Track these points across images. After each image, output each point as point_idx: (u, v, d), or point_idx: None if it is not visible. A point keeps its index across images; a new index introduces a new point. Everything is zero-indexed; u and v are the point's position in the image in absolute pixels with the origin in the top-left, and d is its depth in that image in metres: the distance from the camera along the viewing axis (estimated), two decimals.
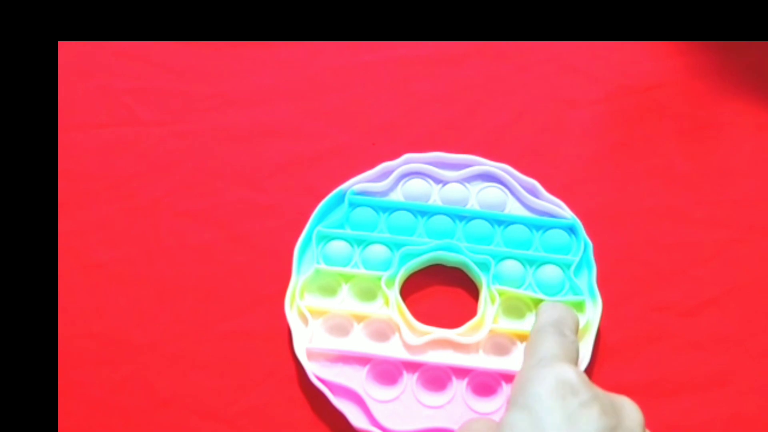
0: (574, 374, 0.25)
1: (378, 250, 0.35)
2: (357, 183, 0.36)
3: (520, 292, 0.34)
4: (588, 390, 0.25)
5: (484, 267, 0.35)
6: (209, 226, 0.36)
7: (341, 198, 0.36)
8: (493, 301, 0.34)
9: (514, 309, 0.34)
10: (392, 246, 0.35)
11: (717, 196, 0.37)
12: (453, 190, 0.36)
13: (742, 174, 0.38)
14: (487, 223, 0.36)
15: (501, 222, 0.36)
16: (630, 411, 0.25)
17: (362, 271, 0.34)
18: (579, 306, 0.34)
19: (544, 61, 0.40)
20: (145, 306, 0.35)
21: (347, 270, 0.34)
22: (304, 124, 0.39)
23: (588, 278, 0.35)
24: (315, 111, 0.39)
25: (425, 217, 0.36)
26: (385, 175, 0.36)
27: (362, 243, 0.35)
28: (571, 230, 0.35)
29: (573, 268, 0.35)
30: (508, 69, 0.40)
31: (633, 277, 0.36)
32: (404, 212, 0.36)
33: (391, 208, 0.36)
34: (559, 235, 0.35)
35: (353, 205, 0.36)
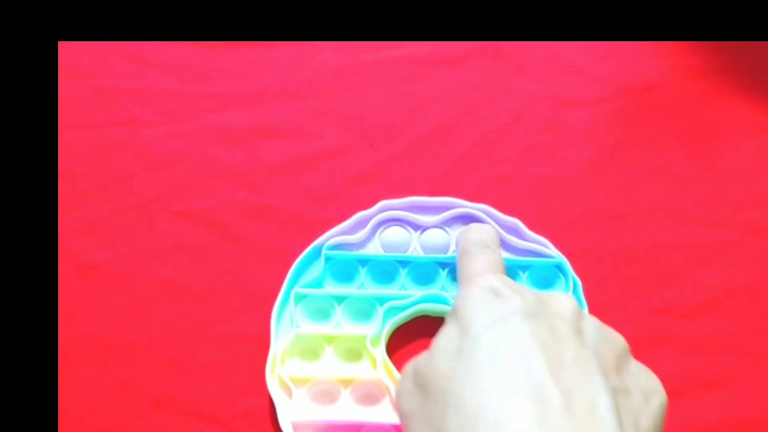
0: (496, 279, 0.25)
1: (360, 307, 0.34)
2: (332, 237, 0.34)
3: None
4: (511, 289, 0.25)
5: None
6: (206, 227, 0.36)
7: (317, 253, 0.34)
8: None
9: None
10: (374, 301, 0.33)
11: (717, 197, 0.37)
12: (432, 236, 0.35)
13: (743, 174, 0.38)
14: None
15: None
16: (558, 299, 0.25)
17: (345, 331, 0.33)
18: None
19: (543, 61, 0.40)
20: (140, 308, 0.35)
21: (329, 331, 0.33)
22: (301, 125, 0.39)
23: None
24: (313, 111, 0.39)
25: (406, 267, 0.34)
26: (360, 224, 0.35)
27: (343, 300, 0.34)
28: (558, 269, 0.35)
29: None
30: (507, 69, 0.40)
31: (633, 279, 0.36)
32: (384, 264, 0.34)
33: (369, 261, 0.34)
34: (546, 275, 0.34)
35: (330, 261, 0.34)
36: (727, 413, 0.33)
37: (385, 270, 0.34)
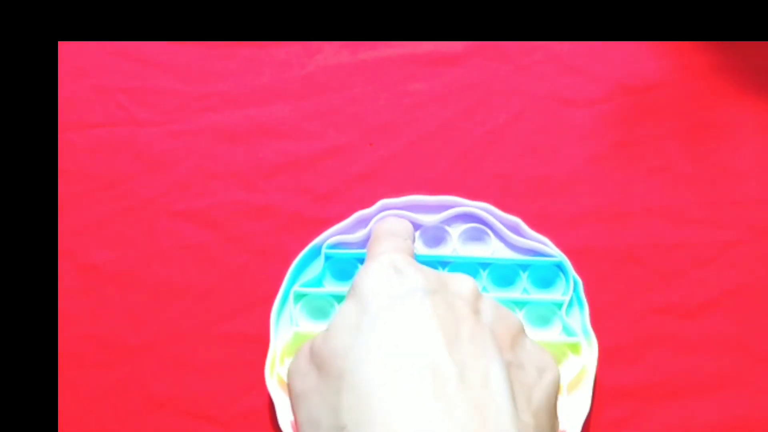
0: (398, 257, 0.25)
1: None
2: (332, 236, 0.34)
3: None
4: (412, 267, 0.25)
5: None
6: (205, 226, 0.36)
7: (317, 252, 0.34)
8: None
9: None
10: None
11: (717, 196, 0.37)
12: (433, 235, 0.35)
13: (743, 174, 0.38)
14: (470, 268, 0.34)
15: (485, 265, 0.34)
16: (458, 279, 0.25)
17: None
18: (574, 348, 0.33)
19: (543, 61, 0.40)
20: (140, 307, 0.35)
21: None
22: (301, 124, 0.39)
23: (581, 318, 0.34)
24: (312, 111, 0.39)
25: None
26: (361, 224, 0.35)
27: (343, 299, 0.33)
28: (558, 268, 0.35)
29: (564, 308, 0.34)
30: (507, 68, 0.40)
31: (633, 279, 0.36)
32: None
33: None
34: (546, 274, 0.34)
35: (330, 259, 0.34)
36: (727, 413, 0.33)
37: None
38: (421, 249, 0.35)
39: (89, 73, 0.40)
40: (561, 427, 0.31)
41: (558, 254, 0.34)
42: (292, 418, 0.31)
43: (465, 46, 0.40)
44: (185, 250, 0.36)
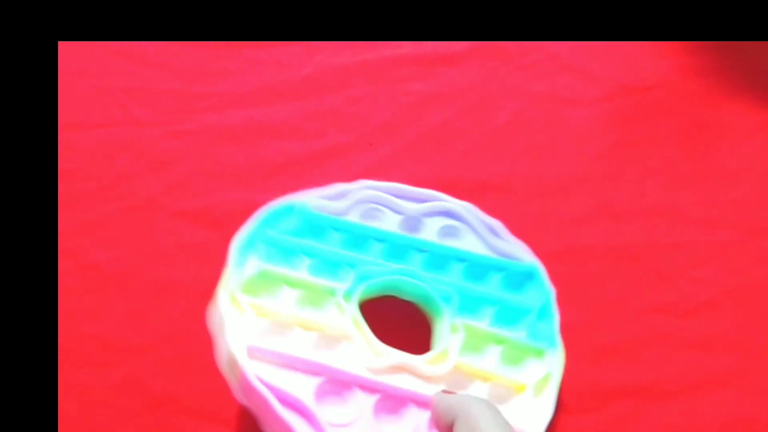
0: None
1: (330, 265, 0.33)
2: (312, 198, 0.34)
3: (483, 326, 0.33)
4: None
5: (447, 298, 0.33)
6: (206, 226, 0.36)
7: (292, 210, 0.33)
8: (454, 330, 0.32)
9: (473, 344, 0.32)
10: (347, 263, 0.33)
11: (716, 196, 0.37)
12: (412, 224, 0.34)
13: (742, 174, 0.38)
14: (446, 258, 0.34)
15: (462, 259, 0.34)
16: None
17: (315, 280, 0.32)
18: (538, 353, 0.33)
19: (543, 61, 0.40)
20: (140, 307, 0.35)
21: (299, 275, 0.32)
22: (301, 124, 0.39)
23: (550, 326, 0.33)
24: (312, 111, 0.39)
25: (383, 244, 0.34)
26: (340, 195, 0.34)
27: (314, 254, 0.33)
28: (531, 276, 0.34)
29: (534, 314, 0.33)
30: (507, 69, 0.40)
31: (631, 278, 0.36)
32: (360, 236, 0.33)
33: (345, 229, 0.33)
34: (521, 279, 0.34)
35: (306, 216, 0.33)
36: (726, 413, 0.33)
37: (360, 241, 0.34)
38: (401, 233, 0.34)
39: (89, 73, 0.40)
40: (524, 429, 0.31)
41: (533, 261, 0.34)
42: (250, 342, 0.30)
43: (465, 46, 0.40)
44: (185, 249, 0.36)
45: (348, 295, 0.32)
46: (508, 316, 0.33)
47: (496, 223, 0.34)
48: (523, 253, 0.34)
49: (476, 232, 0.35)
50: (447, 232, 0.34)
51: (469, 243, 0.34)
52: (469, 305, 0.33)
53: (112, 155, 0.38)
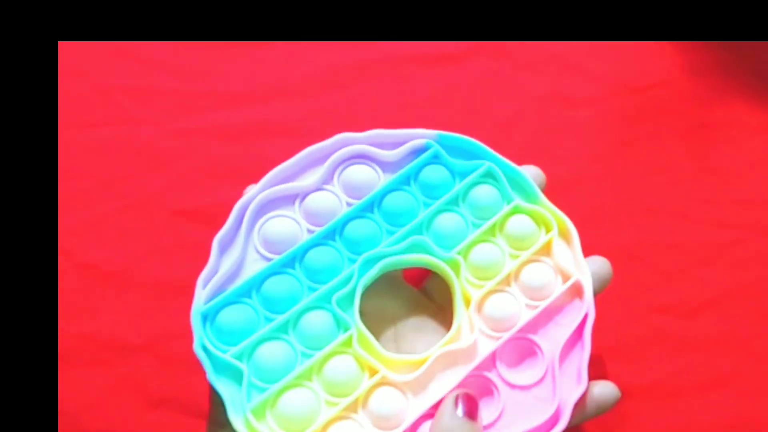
0: None
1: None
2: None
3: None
4: None
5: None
6: (204, 225, 0.36)
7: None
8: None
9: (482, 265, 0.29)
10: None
11: (718, 196, 0.37)
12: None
13: (744, 173, 0.38)
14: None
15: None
16: None
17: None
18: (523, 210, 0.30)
19: (543, 61, 0.40)
20: (140, 306, 0.35)
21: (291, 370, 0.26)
22: (301, 124, 0.39)
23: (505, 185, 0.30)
24: (312, 110, 0.39)
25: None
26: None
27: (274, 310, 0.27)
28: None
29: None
30: (508, 68, 0.40)
31: (633, 278, 0.36)
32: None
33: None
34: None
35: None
36: (727, 413, 0.33)
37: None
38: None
39: (89, 73, 0.40)
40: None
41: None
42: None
43: (466, 46, 0.40)
44: (185, 248, 0.36)
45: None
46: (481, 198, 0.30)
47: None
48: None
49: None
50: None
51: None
52: (444, 228, 0.29)
53: (110, 154, 0.38)
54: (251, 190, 0.29)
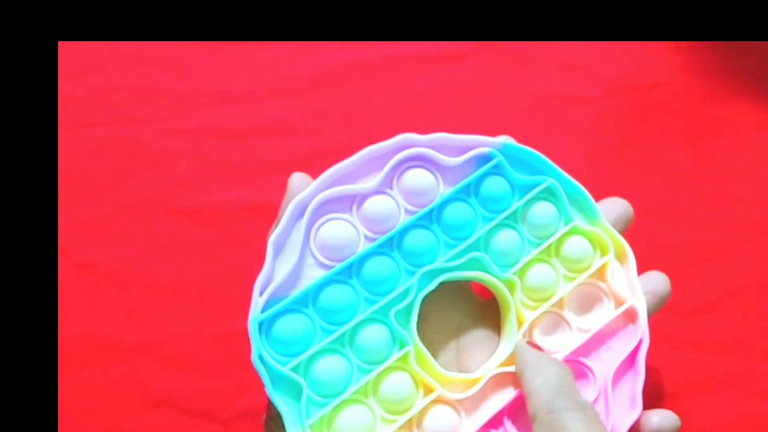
0: None
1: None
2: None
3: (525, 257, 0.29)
4: None
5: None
6: (204, 225, 0.36)
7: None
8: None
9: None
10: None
11: (719, 196, 0.37)
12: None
13: (744, 173, 0.38)
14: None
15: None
16: None
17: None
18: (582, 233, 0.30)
19: (545, 60, 0.40)
20: (139, 306, 0.35)
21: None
22: (300, 124, 0.39)
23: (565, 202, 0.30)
24: (312, 110, 0.39)
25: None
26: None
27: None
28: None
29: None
30: (508, 68, 0.40)
31: None
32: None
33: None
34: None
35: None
36: (727, 413, 0.33)
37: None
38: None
39: (89, 73, 0.40)
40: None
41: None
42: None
43: (466, 45, 0.40)
44: (184, 248, 0.36)
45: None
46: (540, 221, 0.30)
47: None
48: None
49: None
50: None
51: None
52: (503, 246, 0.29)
53: (110, 154, 0.38)
54: (302, 187, 0.27)
